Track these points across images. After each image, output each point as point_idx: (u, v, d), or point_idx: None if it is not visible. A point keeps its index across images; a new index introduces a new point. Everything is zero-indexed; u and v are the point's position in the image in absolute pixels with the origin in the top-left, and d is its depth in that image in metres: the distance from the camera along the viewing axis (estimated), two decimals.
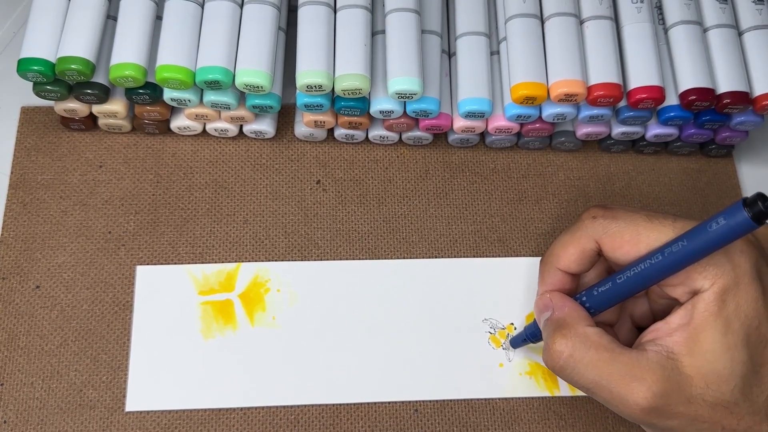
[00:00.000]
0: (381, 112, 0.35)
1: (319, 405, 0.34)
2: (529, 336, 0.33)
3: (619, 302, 0.30)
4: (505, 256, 0.37)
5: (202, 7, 0.34)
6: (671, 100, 0.36)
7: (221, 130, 0.37)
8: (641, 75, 0.35)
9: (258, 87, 0.33)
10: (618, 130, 0.38)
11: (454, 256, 0.37)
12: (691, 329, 0.27)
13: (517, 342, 0.35)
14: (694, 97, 0.35)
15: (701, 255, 0.26)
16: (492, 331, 0.36)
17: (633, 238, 0.28)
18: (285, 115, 0.39)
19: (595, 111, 0.36)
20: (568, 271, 0.31)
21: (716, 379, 0.27)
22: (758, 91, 0.35)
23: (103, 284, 0.35)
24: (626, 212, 0.29)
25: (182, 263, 0.35)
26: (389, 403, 0.34)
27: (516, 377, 0.35)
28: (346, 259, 0.36)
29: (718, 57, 0.36)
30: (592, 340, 0.28)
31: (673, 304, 0.29)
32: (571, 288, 0.32)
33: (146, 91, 0.34)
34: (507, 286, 0.36)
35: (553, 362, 0.29)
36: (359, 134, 0.38)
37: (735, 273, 0.27)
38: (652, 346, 0.28)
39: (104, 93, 0.34)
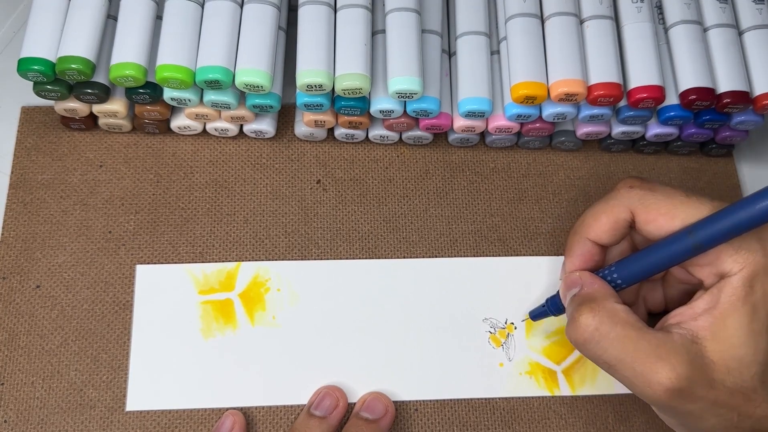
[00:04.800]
0: (381, 111, 0.35)
1: None
2: (552, 308, 0.33)
3: (649, 276, 0.30)
4: (505, 256, 0.37)
5: (202, 7, 0.34)
6: (671, 99, 0.36)
7: (221, 130, 0.37)
8: (641, 74, 0.35)
9: (258, 86, 0.33)
10: (618, 129, 0.38)
11: (454, 256, 0.37)
12: (717, 314, 0.27)
13: (537, 314, 0.35)
14: (695, 97, 0.35)
15: (738, 231, 0.26)
16: (492, 330, 0.36)
17: (669, 212, 0.28)
18: (285, 115, 0.39)
19: (596, 110, 0.36)
20: (597, 242, 0.31)
21: (738, 365, 0.27)
22: (758, 90, 0.35)
23: (103, 284, 0.35)
24: (664, 187, 0.29)
25: (182, 262, 0.35)
26: None
27: (516, 377, 0.35)
28: (346, 258, 0.36)
29: (718, 57, 0.36)
30: (620, 317, 0.28)
31: (690, 290, 0.29)
32: (598, 261, 0.31)
33: (146, 91, 0.34)
34: (507, 285, 0.36)
35: (577, 335, 0.29)
36: (359, 134, 0.38)
37: (766, 259, 0.27)
38: (677, 329, 0.28)
39: (104, 93, 0.34)
